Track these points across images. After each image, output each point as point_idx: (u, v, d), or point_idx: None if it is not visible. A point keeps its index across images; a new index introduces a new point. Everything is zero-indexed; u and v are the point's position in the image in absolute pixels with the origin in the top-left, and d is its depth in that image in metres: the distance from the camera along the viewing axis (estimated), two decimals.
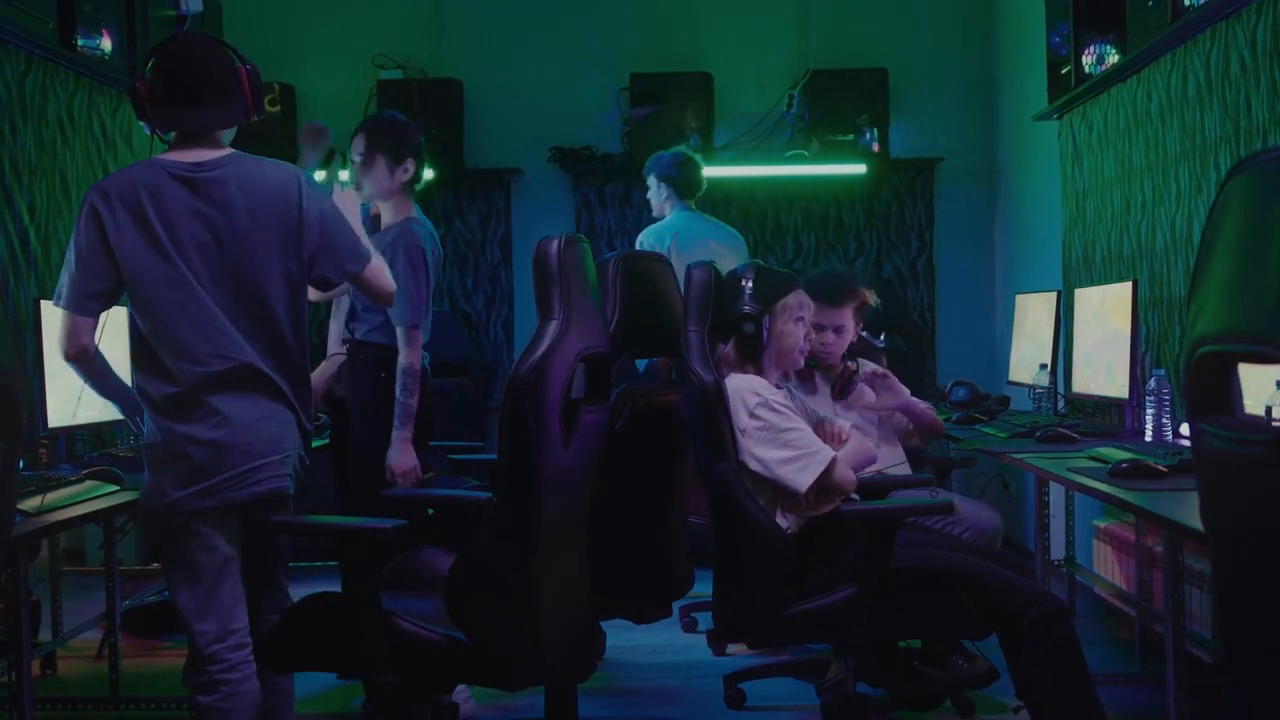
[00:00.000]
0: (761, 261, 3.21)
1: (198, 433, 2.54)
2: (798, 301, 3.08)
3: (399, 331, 3.37)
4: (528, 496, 2.39)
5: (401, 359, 3.36)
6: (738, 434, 2.90)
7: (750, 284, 3.02)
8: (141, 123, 2.63)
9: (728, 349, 3.03)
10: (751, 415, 2.91)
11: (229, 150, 2.65)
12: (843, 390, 3.63)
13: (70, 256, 2.57)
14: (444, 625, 2.48)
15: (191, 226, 2.54)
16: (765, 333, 3.00)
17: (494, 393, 5.79)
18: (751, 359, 3.03)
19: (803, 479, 2.87)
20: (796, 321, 3.07)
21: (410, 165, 3.52)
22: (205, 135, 2.62)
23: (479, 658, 2.46)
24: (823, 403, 3.67)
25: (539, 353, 2.40)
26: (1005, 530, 5.75)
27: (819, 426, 3.12)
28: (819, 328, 3.54)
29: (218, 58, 2.62)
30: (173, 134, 2.62)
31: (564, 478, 2.48)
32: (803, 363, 3.18)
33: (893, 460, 3.66)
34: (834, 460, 2.90)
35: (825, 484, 2.89)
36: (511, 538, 2.41)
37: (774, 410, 2.92)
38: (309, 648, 2.60)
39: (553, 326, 2.45)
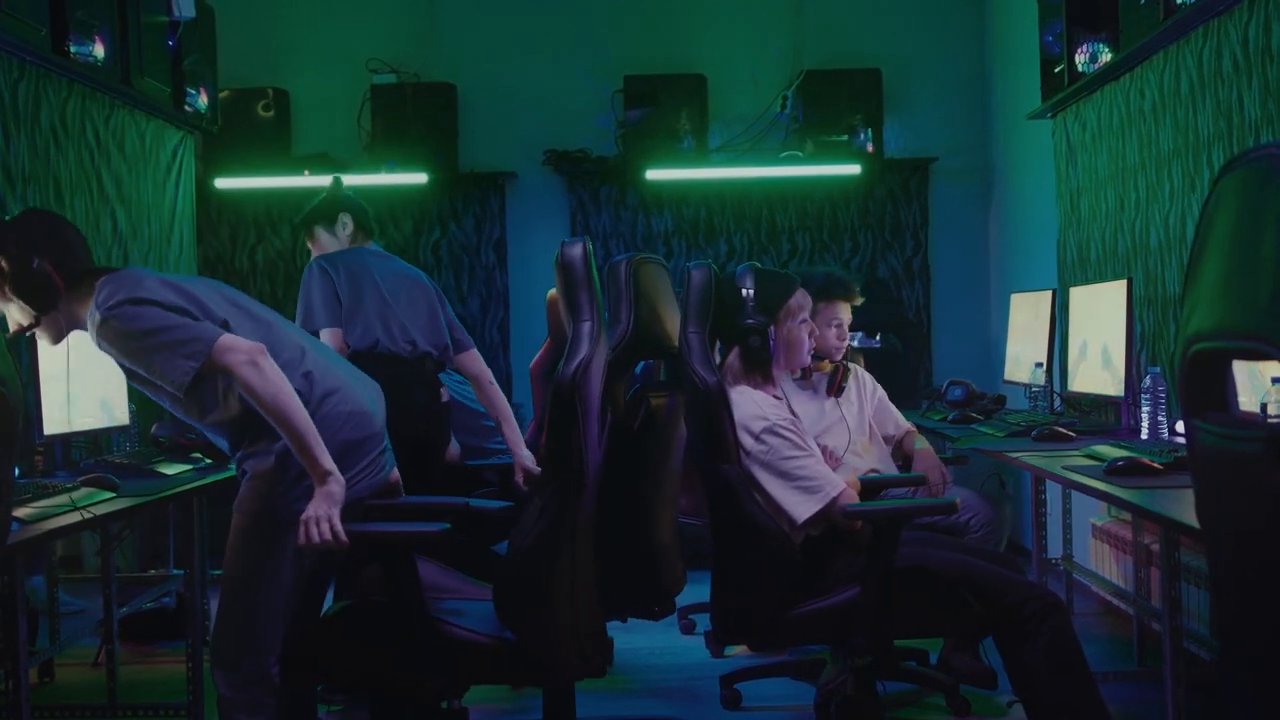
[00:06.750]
0: (758, 263, 3.17)
1: None
2: (799, 304, 3.06)
3: None
4: (578, 496, 2.42)
5: None
6: (742, 452, 2.88)
7: (751, 292, 2.97)
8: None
9: (733, 360, 3.00)
10: (757, 439, 2.87)
11: None
12: (838, 388, 3.71)
13: None
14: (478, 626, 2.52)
15: None
16: (771, 343, 2.98)
17: None
18: (759, 369, 3.00)
19: (801, 511, 2.84)
20: (801, 324, 3.06)
21: (346, 217, 3.81)
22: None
23: (522, 656, 2.47)
24: (817, 399, 3.68)
25: (582, 354, 2.42)
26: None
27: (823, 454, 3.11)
28: (829, 324, 3.64)
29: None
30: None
31: (595, 478, 2.52)
32: (809, 360, 3.18)
33: (882, 460, 3.68)
34: (837, 496, 2.84)
35: (826, 516, 2.86)
36: (560, 537, 2.43)
37: (780, 436, 2.87)
38: (350, 658, 2.57)
39: (586, 328, 2.46)
